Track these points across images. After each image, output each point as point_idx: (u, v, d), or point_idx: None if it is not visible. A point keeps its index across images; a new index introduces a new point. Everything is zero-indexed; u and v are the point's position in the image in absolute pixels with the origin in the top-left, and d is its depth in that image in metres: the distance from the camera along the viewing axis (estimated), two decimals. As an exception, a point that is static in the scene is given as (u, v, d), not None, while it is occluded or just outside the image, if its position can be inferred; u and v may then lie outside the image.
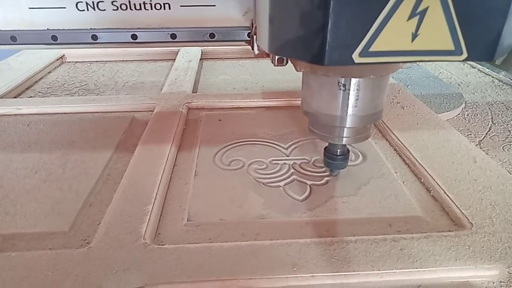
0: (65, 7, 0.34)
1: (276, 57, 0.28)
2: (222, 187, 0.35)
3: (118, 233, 0.28)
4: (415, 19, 0.20)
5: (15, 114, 0.49)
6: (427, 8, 0.20)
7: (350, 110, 0.28)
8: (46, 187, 0.35)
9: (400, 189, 0.34)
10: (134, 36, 0.35)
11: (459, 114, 0.52)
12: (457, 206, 0.31)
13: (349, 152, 0.34)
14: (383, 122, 0.44)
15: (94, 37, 0.35)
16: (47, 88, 0.62)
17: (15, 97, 0.57)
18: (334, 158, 0.33)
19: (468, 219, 0.29)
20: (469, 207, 0.31)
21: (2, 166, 0.38)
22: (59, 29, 0.35)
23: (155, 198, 0.32)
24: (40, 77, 0.66)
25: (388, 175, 0.36)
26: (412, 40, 0.20)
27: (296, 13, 0.21)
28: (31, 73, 0.63)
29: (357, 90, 0.27)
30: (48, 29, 0.35)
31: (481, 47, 0.21)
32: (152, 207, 0.31)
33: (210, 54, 0.75)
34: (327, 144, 0.34)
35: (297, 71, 0.28)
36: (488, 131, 0.47)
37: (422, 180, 0.35)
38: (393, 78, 0.59)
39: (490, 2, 0.20)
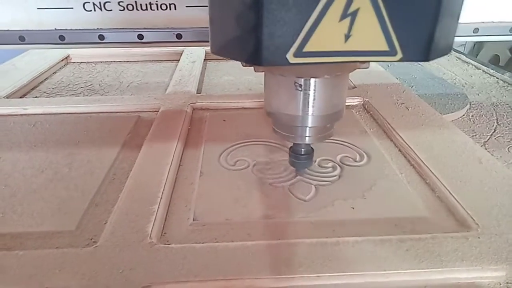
0: (72, 8, 0.34)
1: None
2: (227, 187, 0.35)
3: (124, 232, 0.29)
4: (347, 20, 0.20)
5: (21, 114, 0.49)
6: (358, 9, 0.20)
7: (308, 110, 0.29)
8: (52, 187, 0.35)
9: (405, 189, 0.34)
10: (140, 36, 0.35)
11: (463, 115, 0.52)
12: (462, 207, 0.31)
13: (313, 151, 0.34)
14: (388, 123, 0.44)
15: (101, 37, 0.35)
16: (52, 88, 0.62)
17: (20, 97, 0.57)
18: (299, 157, 0.34)
19: (474, 220, 0.29)
20: (475, 208, 0.31)
21: (9, 165, 0.38)
22: (66, 29, 0.36)
23: (160, 198, 0.32)
24: (45, 78, 0.66)
25: (393, 176, 0.36)
26: (346, 41, 0.21)
27: (231, 14, 0.21)
28: (36, 74, 0.64)
29: (314, 90, 0.28)
30: (55, 29, 0.36)
31: (415, 48, 0.21)
32: (158, 207, 0.31)
33: (214, 55, 0.75)
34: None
35: (255, 71, 0.28)
36: (493, 132, 0.47)
37: (427, 181, 0.35)
38: (397, 78, 0.59)
39: (421, 3, 0.20)
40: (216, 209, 0.32)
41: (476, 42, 1.91)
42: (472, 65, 0.72)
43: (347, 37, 0.21)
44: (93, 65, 0.73)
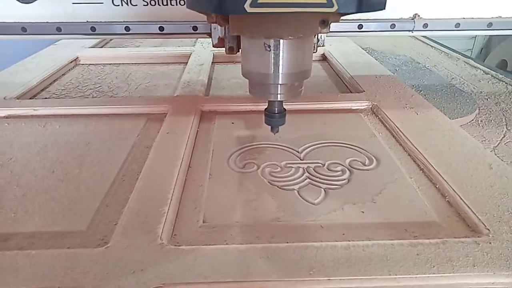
0: (102, 3, 0.43)
1: (227, 46, 0.34)
2: (236, 190, 0.35)
3: (135, 233, 0.29)
4: None
5: (32, 115, 0.50)
6: None
7: (277, 69, 0.32)
8: (63, 187, 0.35)
9: (415, 194, 0.34)
10: (161, 28, 0.44)
11: (472, 120, 0.52)
12: (473, 212, 0.31)
13: (285, 110, 0.38)
14: (397, 127, 0.44)
15: (127, 28, 0.43)
16: (62, 89, 0.63)
17: (30, 98, 0.57)
18: (273, 115, 0.37)
19: (485, 226, 0.29)
20: (486, 213, 0.31)
21: (20, 166, 0.39)
22: (97, 21, 0.42)
23: (170, 200, 0.32)
24: (54, 79, 0.67)
25: (403, 180, 0.36)
26: None
27: None
28: (46, 75, 0.64)
29: (281, 50, 0.31)
30: (87, 21, 0.42)
31: (347, 1, 0.25)
32: (168, 208, 0.31)
33: (221, 57, 0.75)
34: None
35: (231, 33, 0.33)
36: (502, 138, 0.47)
37: (437, 186, 0.35)
38: (405, 83, 0.59)
39: None
40: (226, 211, 0.32)
41: (482, 47, 1.90)
42: (480, 70, 0.72)
43: None
44: (102, 67, 0.74)
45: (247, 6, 0.25)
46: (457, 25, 0.44)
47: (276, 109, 0.37)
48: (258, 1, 0.25)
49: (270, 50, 0.31)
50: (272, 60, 0.32)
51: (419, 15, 0.44)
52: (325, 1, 0.25)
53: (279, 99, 0.35)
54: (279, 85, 0.34)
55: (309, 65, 0.34)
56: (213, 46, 0.39)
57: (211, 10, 0.27)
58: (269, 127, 0.38)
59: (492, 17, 0.45)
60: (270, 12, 0.26)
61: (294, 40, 0.31)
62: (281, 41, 0.31)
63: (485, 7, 0.44)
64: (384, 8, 0.28)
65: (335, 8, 0.26)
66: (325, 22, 0.31)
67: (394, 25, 0.44)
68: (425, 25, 0.44)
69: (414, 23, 0.44)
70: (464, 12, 0.44)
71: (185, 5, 0.29)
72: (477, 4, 0.44)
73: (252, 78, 0.35)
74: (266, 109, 0.38)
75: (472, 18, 0.45)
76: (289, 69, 0.32)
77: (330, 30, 0.31)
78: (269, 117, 0.37)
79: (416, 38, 0.95)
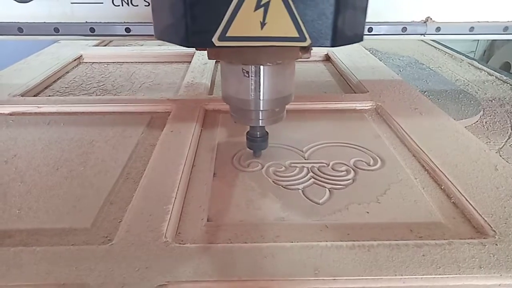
0: (102, 3, 0.39)
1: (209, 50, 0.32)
2: (241, 189, 0.35)
3: (139, 231, 0.29)
4: (261, 10, 0.24)
5: (36, 113, 0.50)
6: (269, 1, 0.24)
7: (257, 95, 0.32)
8: (67, 184, 0.35)
9: (420, 195, 0.34)
10: None
11: (477, 121, 0.52)
12: (479, 213, 0.31)
13: (267, 134, 0.38)
14: (401, 128, 0.44)
15: (128, 29, 0.40)
16: (65, 87, 0.63)
17: (34, 96, 0.57)
18: (255, 140, 0.37)
19: (491, 227, 0.29)
20: (492, 215, 0.30)
21: (24, 163, 0.39)
22: (96, 22, 0.40)
23: (175, 198, 0.32)
24: (58, 77, 0.67)
25: (407, 181, 0.36)
26: (262, 28, 0.24)
27: (165, 5, 0.25)
28: (50, 73, 0.64)
29: (260, 76, 0.31)
30: (86, 22, 0.40)
31: (321, 35, 0.25)
32: (173, 207, 0.31)
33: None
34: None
35: (208, 59, 0.32)
36: (507, 139, 0.47)
37: (442, 187, 0.35)
38: (410, 84, 0.59)
39: None
40: (230, 210, 0.32)
41: (485, 49, 1.90)
42: (484, 71, 0.72)
43: (262, 24, 0.24)
44: (105, 65, 0.74)
45: (215, 40, 0.24)
46: (471, 29, 0.43)
47: (258, 133, 0.37)
48: (227, 35, 0.24)
49: (249, 76, 0.31)
50: (252, 86, 0.31)
51: (431, 18, 0.43)
52: (298, 35, 0.25)
53: (260, 124, 0.35)
54: (260, 111, 0.33)
55: (291, 90, 0.34)
56: (196, 49, 0.38)
57: (178, 43, 0.26)
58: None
59: (508, 21, 0.43)
60: (239, 46, 0.25)
61: (273, 66, 0.31)
62: (260, 67, 0.31)
63: (501, 10, 0.43)
64: (362, 40, 0.28)
65: (308, 42, 0.25)
66: (305, 48, 0.30)
67: (406, 28, 0.43)
68: (438, 29, 0.43)
69: (427, 26, 0.43)
70: (479, 16, 0.43)
71: (153, 35, 0.29)
72: (492, 7, 0.43)
73: (232, 103, 0.34)
74: (247, 132, 0.38)
75: (487, 21, 0.43)
76: (270, 95, 0.32)
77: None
78: (251, 141, 0.38)
79: (421, 39, 0.95)
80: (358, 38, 0.27)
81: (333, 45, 0.25)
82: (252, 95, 0.32)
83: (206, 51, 0.31)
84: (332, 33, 0.25)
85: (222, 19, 0.24)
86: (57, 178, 0.36)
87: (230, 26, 0.24)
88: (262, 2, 0.24)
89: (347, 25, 0.25)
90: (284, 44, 0.25)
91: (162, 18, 0.27)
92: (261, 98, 0.32)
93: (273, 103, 0.33)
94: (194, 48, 0.30)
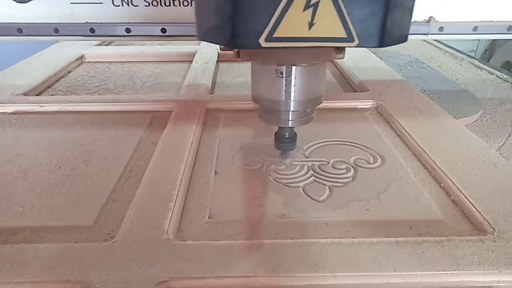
0: (102, 3, 0.39)
1: (236, 51, 0.31)
2: (242, 186, 0.35)
3: (141, 228, 0.29)
4: (310, 10, 0.23)
5: (38, 112, 0.50)
6: (319, 1, 0.23)
7: (289, 96, 0.32)
8: (70, 182, 0.36)
9: (420, 192, 0.34)
10: (163, 30, 0.40)
11: (477, 119, 0.52)
12: (478, 211, 0.31)
13: (296, 135, 0.37)
14: (402, 126, 0.44)
15: (128, 30, 0.39)
16: (68, 86, 0.63)
17: (37, 95, 0.58)
18: (284, 141, 0.37)
19: (490, 224, 0.29)
20: (491, 212, 0.31)
21: (27, 161, 0.39)
22: (96, 22, 0.40)
23: (176, 195, 0.32)
24: (60, 76, 0.67)
25: (407, 179, 0.36)
26: (309, 28, 0.24)
27: (212, 6, 0.25)
28: (52, 72, 0.65)
29: (293, 77, 0.31)
30: (86, 22, 0.40)
31: (370, 35, 0.24)
32: (174, 204, 0.31)
33: (226, 56, 0.75)
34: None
35: (240, 61, 0.32)
36: (507, 137, 0.47)
37: (442, 184, 0.35)
38: (410, 82, 0.59)
39: None
40: (231, 207, 0.32)
41: (486, 48, 1.90)
42: (485, 70, 0.72)
43: (310, 25, 0.24)
44: (107, 65, 0.74)
45: (262, 41, 0.24)
46: (475, 28, 0.42)
47: (287, 134, 0.37)
48: (274, 36, 0.24)
49: (282, 77, 0.31)
50: (284, 87, 0.31)
51: (434, 18, 0.42)
52: (346, 36, 0.24)
53: (290, 125, 0.34)
54: (290, 112, 0.33)
55: (322, 91, 0.33)
56: (221, 50, 0.38)
57: (224, 44, 0.25)
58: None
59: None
60: (286, 47, 0.24)
61: (307, 66, 0.30)
62: (294, 67, 0.30)
63: (504, 10, 0.42)
64: (406, 41, 0.27)
65: (356, 43, 0.24)
66: (339, 48, 0.30)
67: None
68: (441, 29, 0.42)
69: (429, 26, 0.42)
70: (482, 15, 0.42)
71: (196, 36, 0.28)
72: (496, 7, 0.42)
73: (262, 103, 0.34)
74: (276, 133, 0.37)
75: (491, 21, 0.42)
76: (301, 96, 0.32)
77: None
78: (280, 142, 0.37)
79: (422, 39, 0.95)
80: (404, 38, 0.27)
81: (381, 45, 0.25)
82: (284, 95, 0.32)
83: (215, 51, 0.31)
84: (380, 33, 0.24)
85: (270, 20, 0.23)
86: (60, 176, 0.36)
87: (278, 26, 0.24)
88: (312, 2, 0.23)
89: (395, 25, 0.25)
90: (331, 44, 0.25)
91: (206, 18, 0.27)
92: (294, 98, 0.32)
93: (305, 104, 0.33)
94: (219, 47, 0.30)
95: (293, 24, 0.24)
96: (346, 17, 0.24)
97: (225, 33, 0.24)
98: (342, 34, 0.24)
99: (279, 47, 0.24)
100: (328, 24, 0.24)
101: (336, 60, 0.72)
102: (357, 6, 0.24)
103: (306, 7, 0.23)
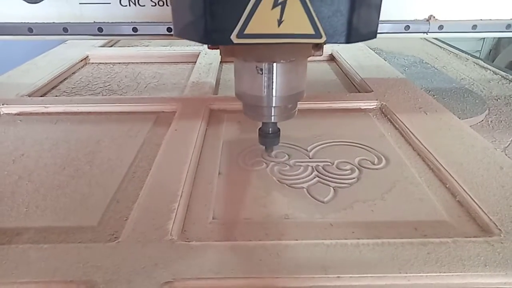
0: (110, 3, 0.40)
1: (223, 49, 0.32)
2: (245, 187, 0.35)
3: (145, 229, 0.29)
4: (278, 8, 0.24)
5: (43, 113, 0.50)
6: (286, 0, 0.24)
7: (270, 92, 0.32)
8: (74, 183, 0.36)
9: (425, 193, 0.34)
10: (169, 29, 0.42)
11: (482, 120, 0.52)
12: (484, 212, 0.31)
13: (279, 130, 0.38)
14: (406, 127, 0.44)
15: (135, 29, 0.41)
16: (72, 88, 0.63)
17: (41, 96, 0.58)
18: (267, 135, 0.38)
19: (496, 225, 0.29)
20: (497, 213, 0.30)
21: (32, 162, 0.39)
22: (104, 22, 0.41)
23: (180, 196, 0.32)
24: (65, 77, 0.67)
25: (412, 179, 0.36)
26: (279, 25, 0.25)
27: (186, 4, 0.26)
28: (57, 73, 0.65)
29: (274, 73, 0.31)
30: (94, 22, 0.41)
31: (336, 32, 0.25)
32: (178, 205, 0.31)
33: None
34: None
35: (222, 59, 0.34)
36: (513, 138, 0.46)
37: (447, 185, 0.35)
38: (414, 83, 0.58)
39: None
40: (235, 208, 0.32)
41: (491, 48, 1.88)
42: (490, 70, 0.71)
43: (279, 22, 0.25)
44: (111, 66, 0.75)
45: (233, 37, 0.25)
46: (474, 27, 0.43)
47: (270, 129, 0.37)
48: (245, 32, 0.25)
49: (262, 74, 0.32)
50: (265, 83, 0.32)
51: (434, 17, 0.42)
52: (313, 32, 0.25)
53: (272, 120, 0.35)
54: (272, 108, 0.34)
55: (303, 86, 0.35)
56: (208, 48, 0.38)
57: (198, 40, 0.27)
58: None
59: (511, 18, 0.43)
60: (257, 43, 0.26)
61: (286, 63, 0.31)
62: (274, 64, 0.31)
63: (503, 8, 0.43)
64: (375, 37, 0.28)
65: (324, 39, 0.25)
66: (318, 45, 0.31)
67: (409, 26, 0.43)
68: (441, 27, 0.43)
69: (429, 24, 0.43)
70: (482, 13, 0.43)
71: (172, 33, 0.30)
72: (495, 5, 0.43)
73: (245, 100, 0.35)
74: (260, 129, 0.38)
75: (490, 19, 0.43)
76: (283, 92, 0.33)
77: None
78: (263, 137, 0.38)
79: (425, 38, 0.94)
80: (372, 35, 0.28)
81: (348, 41, 0.25)
82: (265, 91, 0.32)
83: (218, 51, 0.32)
84: (347, 30, 0.25)
85: (241, 17, 0.25)
86: (64, 177, 0.37)
87: (248, 24, 0.25)
88: (280, 1, 0.24)
89: (361, 22, 0.26)
90: (300, 41, 0.26)
91: (181, 16, 0.28)
92: (274, 94, 0.33)
93: (286, 99, 0.33)
94: (207, 47, 0.31)
95: (263, 21, 0.25)
96: (313, 14, 0.25)
97: (199, 30, 0.26)
98: (310, 31, 0.25)
99: (251, 43, 0.25)
100: (296, 21, 0.25)
101: (339, 60, 0.72)
102: (323, 4, 0.25)
103: (274, 5, 0.24)
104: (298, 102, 0.36)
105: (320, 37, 0.25)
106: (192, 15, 0.26)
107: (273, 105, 0.33)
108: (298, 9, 0.25)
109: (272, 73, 0.32)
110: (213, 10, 0.25)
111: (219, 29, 0.25)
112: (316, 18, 0.25)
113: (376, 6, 0.27)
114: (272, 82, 0.32)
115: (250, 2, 0.24)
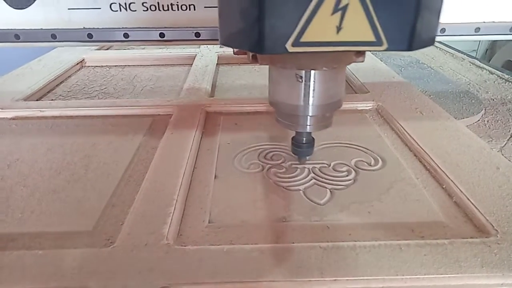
0: (100, 8, 0.38)
1: (250, 54, 0.31)
2: (242, 190, 0.35)
3: (141, 233, 0.29)
4: (338, 14, 0.23)
5: (38, 117, 0.50)
6: (347, 4, 0.23)
7: (308, 100, 0.31)
8: (69, 188, 0.35)
9: (422, 194, 0.34)
10: (162, 35, 0.39)
11: (479, 120, 0.52)
12: (481, 212, 0.31)
13: (314, 140, 0.37)
14: (402, 128, 0.44)
15: (126, 35, 0.39)
16: (68, 91, 0.63)
17: (37, 100, 0.58)
18: (301, 146, 0.36)
19: (493, 226, 0.29)
20: (494, 214, 0.30)
21: (27, 166, 0.39)
22: (94, 28, 0.39)
23: (176, 200, 0.32)
24: (60, 81, 0.67)
25: (409, 181, 0.36)
26: (337, 32, 0.23)
27: (237, 9, 0.24)
28: (52, 77, 0.65)
29: (313, 81, 0.30)
30: (84, 27, 0.39)
31: (398, 39, 0.23)
32: (174, 209, 0.31)
33: (226, 59, 0.75)
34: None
35: (260, 64, 0.31)
36: (510, 138, 0.47)
37: (444, 186, 0.35)
38: (411, 83, 0.58)
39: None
40: (232, 211, 0.32)
41: (487, 48, 1.89)
42: (486, 70, 0.72)
43: (338, 29, 0.23)
44: (107, 69, 0.74)
45: (288, 46, 0.23)
46: (477, 29, 0.42)
47: (304, 139, 0.36)
48: (301, 40, 0.23)
49: (302, 82, 0.30)
50: (303, 91, 0.30)
51: None
52: (374, 40, 0.23)
53: (308, 130, 0.34)
54: (308, 117, 0.32)
55: (341, 94, 0.33)
56: (234, 54, 0.35)
57: (249, 49, 0.25)
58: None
59: None
60: (313, 52, 0.24)
61: (327, 70, 0.30)
62: (314, 72, 0.29)
63: (506, 11, 0.42)
64: (434, 44, 0.26)
65: (385, 47, 0.24)
66: (360, 52, 0.29)
67: None
68: (443, 30, 0.42)
69: None
70: (484, 16, 0.42)
71: (219, 41, 0.27)
72: (498, 7, 0.42)
73: (280, 108, 0.33)
74: (293, 137, 0.37)
75: (493, 22, 0.42)
76: (321, 101, 0.31)
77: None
78: (297, 147, 0.37)
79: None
80: (432, 41, 0.26)
81: (409, 49, 0.24)
82: (303, 100, 0.31)
83: (216, 54, 0.31)
84: (410, 36, 0.23)
85: (298, 24, 0.23)
86: (60, 181, 0.36)
87: (305, 31, 0.23)
88: (340, 6, 0.23)
89: (424, 27, 0.24)
90: (359, 48, 0.24)
91: (230, 23, 0.26)
92: (312, 103, 0.31)
93: (324, 108, 0.32)
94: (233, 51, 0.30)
95: (321, 28, 0.23)
96: (376, 20, 0.23)
97: (251, 38, 0.24)
98: (371, 38, 0.23)
99: (306, 52, 0.23)
100: (357, 28, 0.23)
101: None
102: (387, 10, 0.23)
103: (334, 11, 0.23)
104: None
105: (381, 44, 0.24)
106: (243, 22, 0.24)
107: (311, 114, 0.32)
108: (359, 14, 0.23)
109: (313, 81, 0.30)
110: (268, 16, 0.22)
111: (273, 37, 0.23)
112: (378, 24, 0.23)
113: (437, 11, 0.25)
114: (312, 90, 0.30)
115: (309, 7, 0.22)
